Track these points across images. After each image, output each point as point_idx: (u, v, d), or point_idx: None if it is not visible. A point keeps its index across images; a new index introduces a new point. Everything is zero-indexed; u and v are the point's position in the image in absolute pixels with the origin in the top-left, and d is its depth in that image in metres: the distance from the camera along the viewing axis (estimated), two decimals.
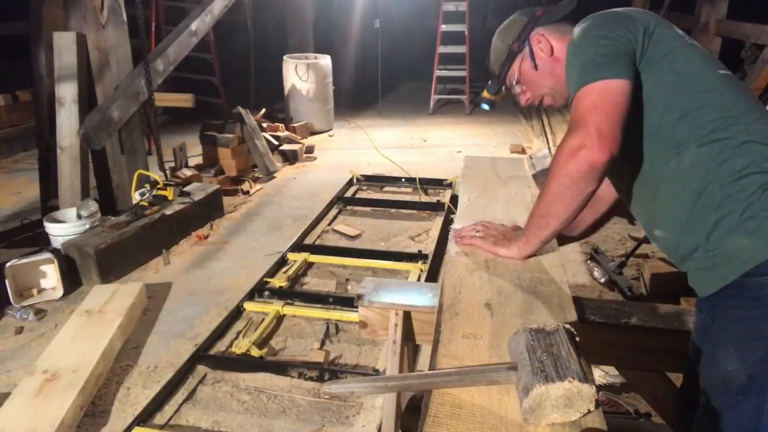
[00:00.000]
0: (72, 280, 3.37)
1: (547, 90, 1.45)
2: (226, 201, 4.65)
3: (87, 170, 4.01)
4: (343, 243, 4.04)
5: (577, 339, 0.92)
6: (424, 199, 4.81)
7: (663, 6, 5.13)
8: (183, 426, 2.34)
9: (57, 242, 3.55)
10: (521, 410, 0.86)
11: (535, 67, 1.43)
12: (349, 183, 5.09)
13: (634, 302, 1.68)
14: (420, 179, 4.96)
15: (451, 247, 1.51)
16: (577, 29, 1.31)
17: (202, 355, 2.71)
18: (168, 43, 4.54)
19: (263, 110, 6.05)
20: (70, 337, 2.71)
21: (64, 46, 3.84)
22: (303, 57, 7.01)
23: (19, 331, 2.99)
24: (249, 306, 3.13)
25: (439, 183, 4.97)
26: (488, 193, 1.92)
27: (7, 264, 3.15)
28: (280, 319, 3.07)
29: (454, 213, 2.08)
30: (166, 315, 3.15)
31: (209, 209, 4.34)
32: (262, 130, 5.70)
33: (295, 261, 3.60)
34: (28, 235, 4.00)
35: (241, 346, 2.74)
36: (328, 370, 2.61)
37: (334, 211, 4.56)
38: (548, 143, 6.08)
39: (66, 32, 3.88)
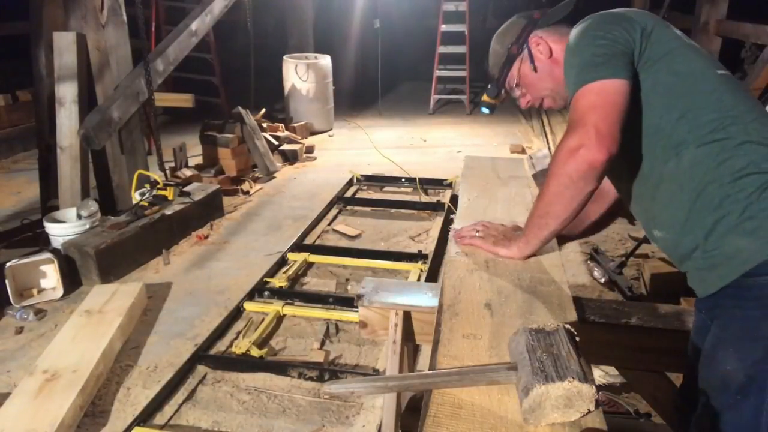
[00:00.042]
0: (72, 280, 3.37)
1: (546, 92, 1.46)
2: (226, 201, 4.65)
3: (87, 170, 4.01)
4: (343, 243, 4.04)
5: (577, 339, 0.92)
6: (424, 199, 4.81)
7: (663, 6, 5.13)
8: (183, 426, 2.34)
9: (57, 242, 3.55)
10: (521, 410, 0.86)
11: (535, 69, 1.43)
12: (349, 183, 5.09)
13: (634, 302, 1.68)
14: (420, 179, 4.96)
15: (451, 247, 1.51)
16: (575, 30, 1.31)
17: (202, 355, 2.71)
18: (168, 43, 4.54)
19: (263, 110, 6.05)
20: (70, 337, 2.71)
21: (64, 46, 3.84)
22: (303, 57, 7.01)
23: (19, 331, 2.99)
24: (249, 306, 3.13)
25: (439, 183, 4.97)
26: (488, 193, 1.92)
27: (7, 264, 3.15)
28: (280, 319, 3.07)
29: (454, 213, 2.08)
30: (166, 315, 3.15)
31: (209, 209, 4.34)
32: (262, 130, 5.70)
33: (295, 261, 3.60)
34: (28, 235, 4.00)
35: (241, 346, 2.74)
36: (328, 370, 2.61)
37: (334, 211, 4.56)
38: (548, 143, 6.08)
39: (66, 32, 3.88)
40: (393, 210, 4.59)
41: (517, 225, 1.54)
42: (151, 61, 4.20)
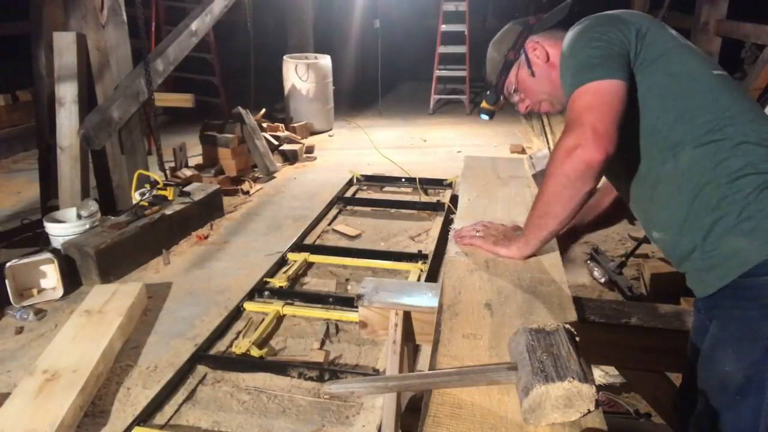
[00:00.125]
0: (72, 280, 3.37)
1: (545, 96, 1.46)
2: (226, 201, 4.65)
3: (87, 170, 4.01)
4: (343, 243, 4.04)
5: (577, 339, 0.92)
6: (424, 199, 4.81)
7: (663, 6, 5.13)
8: (183, 426, 2.34)
9: (57, 242, 3.55)
10: (521, 410, 0.86)
11: (532, 74, 1.44)
12: (349, 183, 5.09)
13: (634, 302, 1.68)
14: (420, 179, 4.96)
15: (451, 247, 1.51)
16: (571, 33, 1.32)
17: (202, 355, 2.71)
18: (168, 43, 4.54)
19: (263, 110, 6.05)
20: (70, 337, 2.71)
21: (64, 46, 3.84)
22: (303, 57, 7.01)
23: (19, 331, 2.99)
24: (249, 306, 3.13)
25: (439, 183, 4.97)
26: (488, 193, 1.92)
27: (7, 264, 3.16)
28: (280, 319, 3.07)
29: (454, 213, 2.08)
30: (166, 315, 3.15)
31: (209, 209, 4.34)
32: (262, 130, 5.70)
33: (295, 261, 3.60)
34: (28, 235, 4.00)
35: (241, 346, 2.74)
36: (328, 370, 2.61)
37: (334, 211, 4.56)
38: (548, 143, 6.07)
39: (66, 32, 3.88)
40: (393, 210, 4.59)
41: (517, 225, 1.54)
42: (151, 61, 4.21)
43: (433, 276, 3.36)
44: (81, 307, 2.98)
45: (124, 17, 4.02)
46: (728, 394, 1.12)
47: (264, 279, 3.37)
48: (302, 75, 6.73)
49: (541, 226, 1.31)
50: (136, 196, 3.97)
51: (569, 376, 0.83)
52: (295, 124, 6.57)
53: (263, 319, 2.99)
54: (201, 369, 2.66)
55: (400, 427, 1.51)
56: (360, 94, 8.57)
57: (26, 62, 4.35)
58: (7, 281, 3.12)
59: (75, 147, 3.88)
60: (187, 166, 5.10)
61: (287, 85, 6.87)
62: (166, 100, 4.88)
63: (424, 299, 1.50)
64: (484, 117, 1.62)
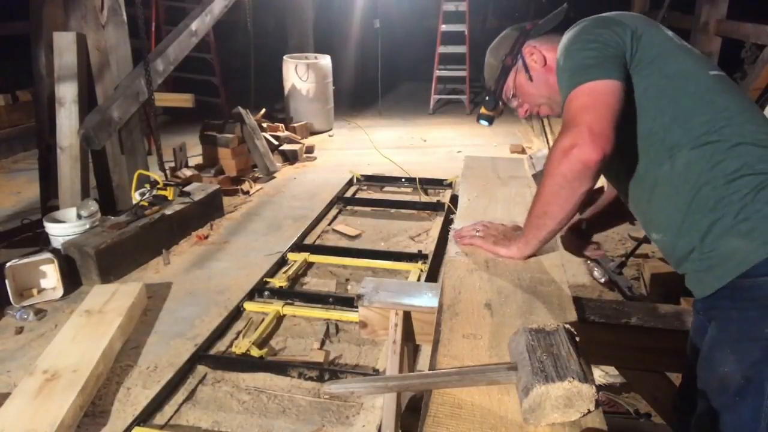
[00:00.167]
0: (72, 280, 3.37)
1: (543, 100, 1.47)
2: (226, 201, 4.65)
3: (87, 170, 4.01)
4: (343, 243, 4.04)
5: (577, 339, 0.92)
6: (424, 199, 4.81)
7: (663, 6, 5.13)
8: (183, 426, 2.34)
9: (57, 242, 3.55)
10: (521, 410, 0.86)
11: (530, 78, 1.45)
12: (349, 183, 5.09)
13: (634, 302, 1.69)
14: (420, 179, 4.96)
15: (451, 247, 1.52)
16: (567, 35, 1.33)
17: (202, 355, 2.71)
18: (168, 43, 4.54)
19: (263, 110, 6.05)
20: (70, 337, 2.71)
21: (64, 46, 3.84)
22: (303, 57, 7.01)
23: (19, 331, 2.99)
24: (249, 306, 3.13)
25: (439, 183, 4.97)
26: (488, 193, 1.92)
27: (7, 264, 3.16)
28: (280, 319, 3.07)
29: (454, 213, 2.08)
30: (166, 315, 3.15)
31: (209, 209, 4.34)
32: (262, 130, 5.70)
33: (295, 261, 3.60)
34: (28, 235, 4.00)
35: (241, 346, 2.74)
36: (328, 370, 2.61)
37: (334, 211, 4.56)
38: (548, 143, 6.08)
39: (66, 32, 3.88)
40: (393, 210, 4.59)
41: (517, 225, 1.54)
42: (151, 61, 4.21)
43: (433, 276, 3.36)
44: (81, 307, 2.98)
45: (124, 17, 4.02)
46: (727, 395, 1.12)
47: (264, 279, 3.37)
48: (302, 75, 6.73)
49: (540, 227, 1.31)
50: (136, 196, 3.97)
51: (569, 376, 0.83)
52: (295, 124, 6.57)
53: (263, 319, 2.99)
54: (201, 369, 2.66)
55: (400, 427, 1.51)
56: (360, 94, 8.57)
57: (26, 62, 4.35)
58: (7, 281, 3.12)
59: (75, 147, 3.88)
60: (187, 166, 5.10)
61: (287, 85, 6.87)
62: (166, 100, 4.88)
63: (424, 299, 1.50)
64: (484, 123, 1.63)
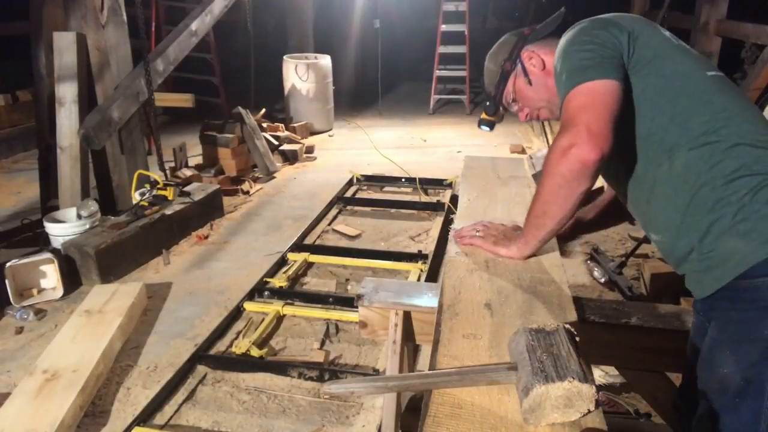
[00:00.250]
0: (72, 280, 3.37)
1: (543, 103, 1.47)
2: (226, 201, 4.65)
3: (87, 170, 4.01)
4: (343, 243, 4.04)
5: (577, 339, 0.92)
6: (424, 199, 4.81)
7: (663, 6, 5.13)
8: (183, 426, 2.34)
9: (57, 242, 3.55)
10: (521, 410, 0.86)
11: (529, 82, 1.45)
12: (349, 183, 5.09)
13: (634, 302, 1.69)
14: (420, 179, 4.96)
15: (451, 247, 1.52)
16: (564, 37, 1.33)
17: (202, 355, 2.71)
18: (168, 43, 4.54)
19: (263, 110, 6.05)
20: (70, 337, 2.71)
21: (64, 46, 3.84)
22: (303, 57, 7.01)
23: (19, 331, 2.99)
24: (249, 306, 3.13)
25: (439, 183, 4.97)
26: (488, 193, 1.92)
27: (7, 264, 3.16)
28: (280, 319, 3.07)
29: (454, 213, 2.08)
30: (166, 315, 3.15)
31: (209, 209, 4.34)
32: (262, 130, 5.70)
33: (295, 261, 3.60)
34: (28, 235, 4.00)
35: (241, 346, 2.74)
36: (328, 370, 2.61)
37: (334, 211, 4.56)
38: (548, 143, 6.08)
39: (66, 32, 3.88)
40: (393, 210, 4.59)
41: (517, 225, 1.54)
42: (151, 61, 4.21)
43: (433, 276, 3.36)
44: (81, 307, 2.98)
45: (124, 17, 4.02)
46: (727, 396, 1.12)
47: (264, 279, 3.37)
48: (302, 75, 6.73)
49: (540, 226, 1.31)
50: (136, 196, 3.97)
51: (569, 376, 0.83)
52: (295, 124, 6.57)
53: (263, 319, 2.99)
54: (201, 369, 2.66)
55: (400, 427, 1.51)
56: (360, 94, 8.57)
57: (26, 62, 4.35)
58: (7, 281, 3.12)
59: (75, 147, 3.88)
60: (187, 166, 5.10)
61: (287, 85, 6.87)
62: (166, 100, 4.88)
63: (424, 299, 1.50)
64: (485, 128, 1.63)
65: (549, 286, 1.29)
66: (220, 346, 2.85)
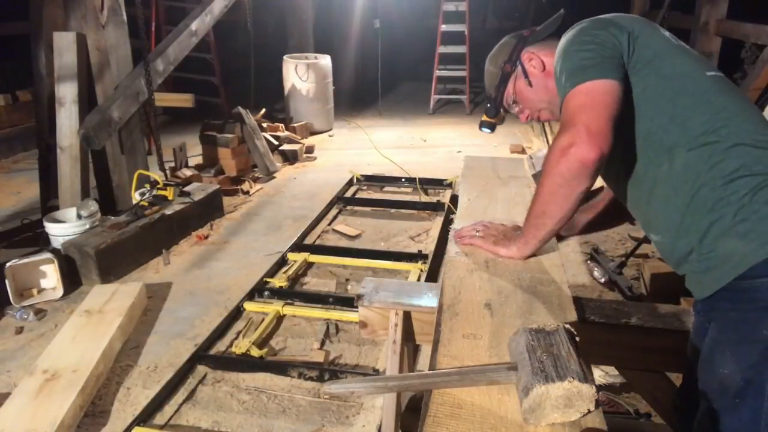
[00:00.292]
0: (72, 280, 3.37)
1: (543, 104, 1.48)
2: (226, 201, 4.65)
3: (87, 170, 4.01)
4: (343, 243, 4.04)
5: (577, 339, 0.92)
6: (424, 199, 4.81)
7: (663, 6, 5.13)
8: (183, 426, 2.34)
9: (57, 242, 3.55)
10: (521, 410, 0.86)
11: (530, 84, 1.46)
12: (349, 183, 5.09)
13: (634, 302, 1.68)
14: (420, 179, 4.96)
15: (451, 247, 1.52)
16: (564, 38, 1.33)
17: (202, 355, 2.71)
18: (168, 43, 4.54)
19: (263, 110, 6.05)
20: (70, 337, 2.71)
21: (64, 46, 3.84)
22: (303, 57, 7.01)
23: (19, 331, 2.99)
24: (249, 306, 3.13)
25: (439, 183, 4.97)
26: (488, 193, 1.92)
27: (7, 264, 3.15)
28: (280, 319, 3.07)
29: (454, 213, 2.08)
30: (166, 315, 3.15)
31: (209, 209, 4.34)
32: (262, 130, 5.70)
33: (295, 261, 3.60)
34: (28, 235, 4.00)
35: (241, 346, 2.74)
36: (328, 370, 2.61)
37: (334, 211, 4.56)
38: (548, 143, 6.08)
39: (66, 32, 3.88)
40: (393, 210, 4.59)
41: (517, 225, 1.54)
42: (151, 61, 4.21)
43: (433, 276, 3.36)
44: (81, 307, 2.98)
45: (124, 17, 4.02)
46: (727, 397, 1.12)
47: (264, 279, 3.37)
48: (302, 75, 6.73)
49: (539, 226, 1.32)
50: (136, 196, 3.97)
51: (569, 376, 0.83)
52: (295, 124, 6.57)
53: (263, 319, 2.99)
54: (201, 369, 2.66)
55: (400, 427, 1.51)
56: (360, 94, 8.57)
57: (26, 62, 4.35)
58: (7, 281, 3.12)
59: (75, 147, 3.88)
60: (187, 166, 5.10)
61: (287, 85, 6.87)
62: (166, 100, 4.88)
63: (424, 299, 1.50)
64: (486, 130, 1.64)
65: (549, 286, 1.29)
66: (220, 346, 2.85)
